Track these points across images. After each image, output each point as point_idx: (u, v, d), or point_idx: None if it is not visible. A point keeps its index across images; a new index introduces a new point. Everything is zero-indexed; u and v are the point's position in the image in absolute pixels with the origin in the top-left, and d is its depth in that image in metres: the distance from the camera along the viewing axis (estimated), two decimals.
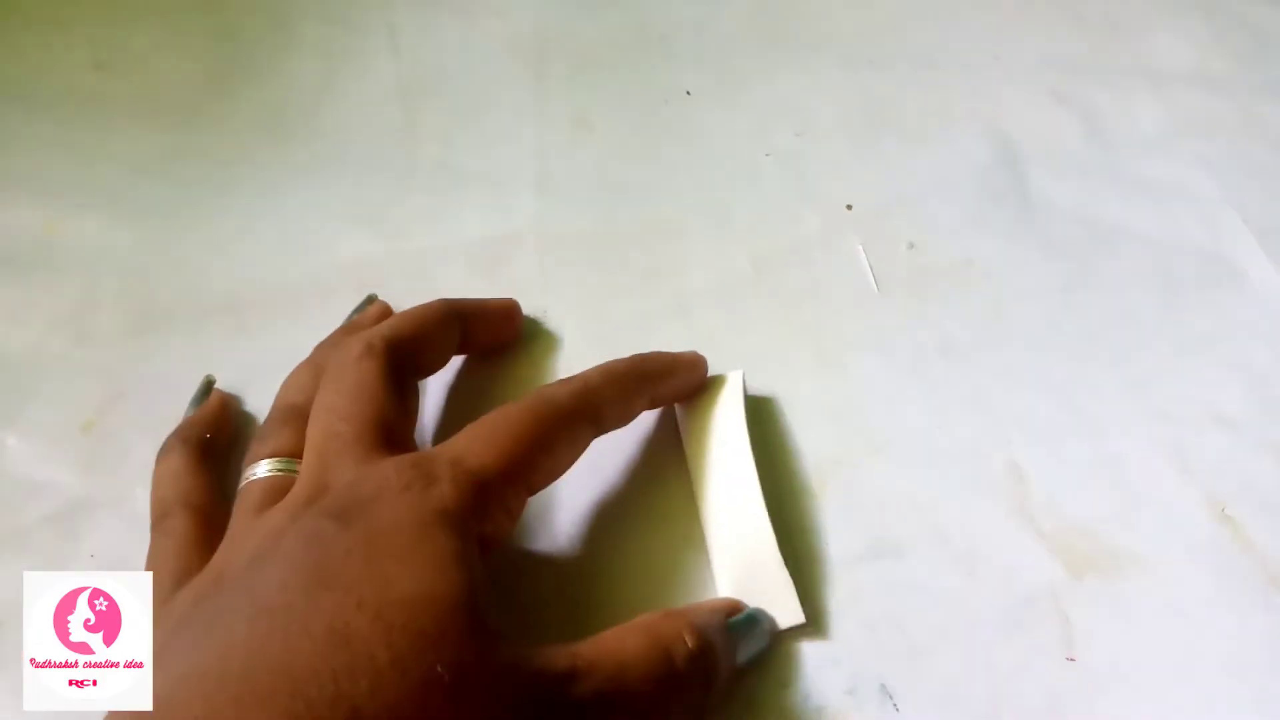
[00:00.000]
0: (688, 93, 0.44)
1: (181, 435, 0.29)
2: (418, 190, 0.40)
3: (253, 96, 0.43)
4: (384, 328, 0.28)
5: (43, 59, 0.44)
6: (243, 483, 0.26)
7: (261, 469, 0.26)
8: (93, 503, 0.30)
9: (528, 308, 0.35)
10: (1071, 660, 0.26)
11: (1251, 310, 0.36)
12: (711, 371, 0.32)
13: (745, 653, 0.26)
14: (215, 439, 0.30)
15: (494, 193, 0.39)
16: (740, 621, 0.26)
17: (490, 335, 0.33)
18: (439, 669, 0.19)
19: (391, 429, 0.25)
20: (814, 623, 0.27)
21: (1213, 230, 0.39)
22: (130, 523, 0.29)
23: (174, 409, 0.31)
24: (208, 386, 0.32)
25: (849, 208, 0.39)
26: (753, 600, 0.27)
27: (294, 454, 0.26)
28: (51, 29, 0.45)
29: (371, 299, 0.34)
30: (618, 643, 0.22)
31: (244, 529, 0.24)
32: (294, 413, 0.27)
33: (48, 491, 0.30)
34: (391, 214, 0.39)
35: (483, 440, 0.24)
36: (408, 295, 0.33)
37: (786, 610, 0.27)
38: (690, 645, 0.23)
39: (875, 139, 0.42)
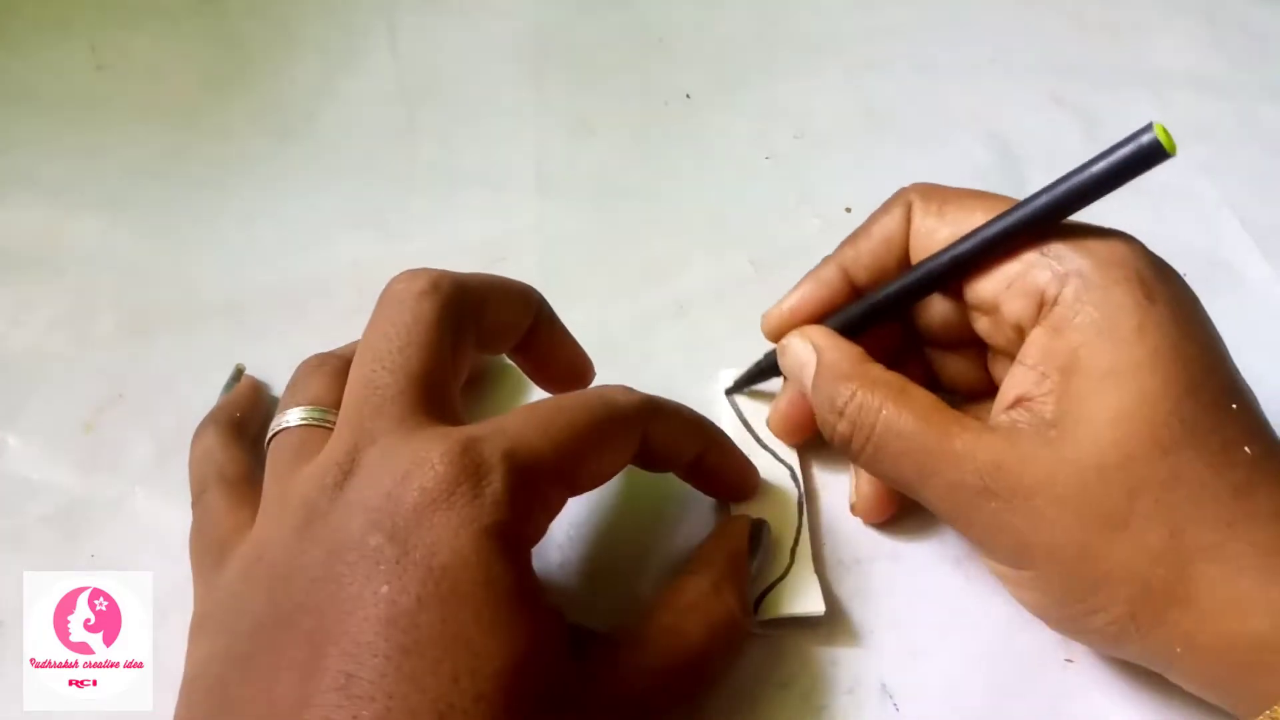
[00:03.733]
0: (687, 95, 0.44)
1: (213, 417, 0.29)
2: (417, 191, 0.40)
3: (253, 98, 0.43)
4: (453, 272, 0.25)
5: (44, 60, 0.44)
6: (272, 432, 0.25)
7: (292, 416, 0.25)
8: (93, 503, 0.30)
9: None
10: (1070, 661, 0.27)
11: (1250, 313, 0.36)
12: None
13: (755, 570, 0.27)
14: (246, 421, 0.30)
15: (494, 194, 0.40)
16: (755, 545, 0.27)
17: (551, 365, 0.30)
18: None
19: (437, 386, 0.23)
20: (827, 617, 0.27)
21: (1211, 233, 0.39)
22: (130, 523, 0.29)
23: (174, 409, 0.31)
24: (238, 374, 0.32)
25: (848, 210, 0.39)
26: (774, 587, 0.27)
27: (322, 402, 0.25)
28: (52, 31, 0.45)
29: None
30: (681, 638, 0.23)
31: (279, 494, 0.23)
32: (328, 360, 0.27)
33: (48, 492, 0.30)
34: (391, 215, 0.39)
35: (538, 429, 0.22)
36: None
37: (807, 598, 0.27)
38: (740, 617, 0.25)
39: (874, 141, 0.42)
